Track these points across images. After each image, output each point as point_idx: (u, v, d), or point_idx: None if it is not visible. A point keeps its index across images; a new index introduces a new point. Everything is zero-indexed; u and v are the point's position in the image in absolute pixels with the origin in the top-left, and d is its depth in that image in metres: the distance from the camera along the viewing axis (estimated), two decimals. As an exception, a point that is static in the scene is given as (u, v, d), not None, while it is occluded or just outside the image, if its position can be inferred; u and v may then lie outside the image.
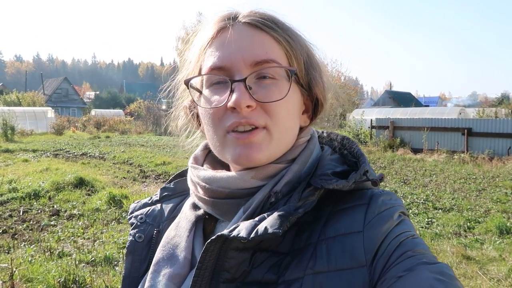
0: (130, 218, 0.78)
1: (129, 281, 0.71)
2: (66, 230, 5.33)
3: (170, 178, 0.84)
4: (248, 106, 0.61)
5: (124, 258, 0.74)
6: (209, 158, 0.76)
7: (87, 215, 6.02)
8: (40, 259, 4.25)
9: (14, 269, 3.66)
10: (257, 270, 0.59)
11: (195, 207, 0.72)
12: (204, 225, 0.71)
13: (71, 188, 7.62)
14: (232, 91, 0.62)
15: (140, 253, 0.73)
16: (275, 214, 0.58)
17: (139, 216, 0.77)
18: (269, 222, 0.57)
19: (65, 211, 6.26)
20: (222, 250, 0.59)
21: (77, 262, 4.12)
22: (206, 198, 0.67)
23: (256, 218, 0.59)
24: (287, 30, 0.67)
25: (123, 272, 0.74)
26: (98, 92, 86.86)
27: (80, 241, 4.90)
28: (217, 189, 0.66)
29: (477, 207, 6.74)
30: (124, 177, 9.37)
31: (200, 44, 0.69)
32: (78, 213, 6.12)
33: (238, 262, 0.59)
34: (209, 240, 0.59)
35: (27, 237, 5.08)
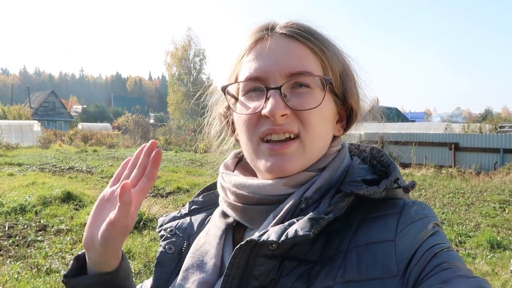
0: (160, 231, 0.77)
1: None
2: (53, 246, 5.18)
3: (199, 191, 0.84)
4: (283, 115, 0.62)
5: (153, 269, 0.73)
6: (239, 166, 0.77)
7: (75, 230, 5.87)
8: (27, 276, 4.11)
9: (0, 287, 3.53)
10: (286, 278, 0.58)
11: (224, 215, 0.72)
12: (233, 233, 0.71)
13: (58, 202, 7.44)
14: (267, 99, 0.63)
15: (170, 265, 0.72)
16: (305, 218, 0.58)
17: (169, 229, 0.77)
18: (299, 225, 0.57)
19: (52, 226, 6.10)
20: (251, 256, 0.58)
21: (65, 279, 4.00)
22: (236, 204, 0.67)
23: (286, 223, 0.59)
24: (323, 41, 0.68)
25: (151, 283, 0.72)
26: (85, 106, 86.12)
27: (69, 257, 4.76)
28: (248, 195, 0.66)
29: (467, 221, 6.80)
30: (112, 192, 9.22)
31: (237, 52, 0.70)
32: (66, 228, 5.97)
33: (267, 270, 0.58)
34: (238, 245, 0.58)
35: (13, 253, 4.92)
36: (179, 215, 0.80)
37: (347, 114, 0.73)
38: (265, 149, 0.64)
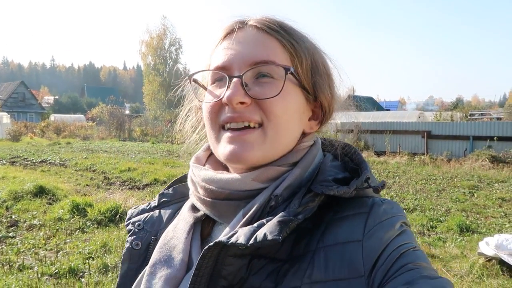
0: (128, 225, 0.76)
1: None
2: (26, 242, 5.05)
3: (169, 183, 0.82)
4: (242, 103, 0.62)
5: (120, 265, 0.72)
6: (211, 159, 0.75)
7: (49, 225, 5.74)
8: (-2, 273, 4.01)
9: (-30, 285, 3.44)
10: (255, 277, 0.58)
11: (194, 208, 0.71)
12: (202, 227, 0.70)
13: (30, 197, 7.25)
14: (228, 87, 0.63)
15: (136, 261, 0.71)
16: (275, 220, 0.57)
17: (137, 223, 0.75)
18: (268, 228, 0.56)
19: (25, 221, 5.94)
20: (219, 256, 0.58)
21: (39, 275, 3.92)
22: (205, 198, 0.66)
23: (255, 224, 0.59)
24: (294, 35, 0.67)
25: (117, 280, 0.71)
26: (57, 97, 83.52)
27: (42, 253, 4.67)
28: (217, 190, 0.65)
29: (438, 206, 7.03)
30: (87, 185, 9.04)
31: (210, 43, 0.70)
32: (39, 223, 5.82)
33: (236, 269, 0.58)
34: (207, 246, 0.58)
35: (-17, 250, 4.78)
36: (148, 207, 0.79)
37: (323, 112, 0.72)
38: (225, 137, 0.64)
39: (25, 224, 5.80)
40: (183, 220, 0.70)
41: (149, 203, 0.80)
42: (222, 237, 0.58)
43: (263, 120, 0.63)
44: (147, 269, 0.66)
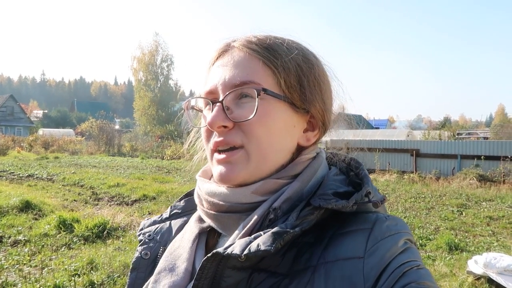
0: (140, 235, 0.78)
1: None
2: (10, 258, 4.93)
3: (181, 196, 0.84)
4: (224, 126, 0.64)
5: (129, 274, 0.73)
6: None
7: (34, 241, 5.62)
8: (-20, 290, 3.89)
9: (-50, 303, 3.33)
10: None
11: (200, 220, 0.72)
12: (208, 238, 0.71)
13: (16, 212, 7.10)
14: (212, 111, 0.65)
15: (144, 270, 0.72)
16: (270, 232, 0.58)
17: (148, 234, 0.77)
18: (262, 239, 0.57)
19: (9, 237, 5.81)
20: (219, 268, 0.58)
21: (23, 292, 3.82)
22: (209, 211, 0.68)
23: (252, 236, 0.59)
24: (276, 50, 0.67)
25: None
26: (46, 111, 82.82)
27: (27, 269, 4.55)
28: (219, 203, 0.66)
29: (428, 224, 7.06)
30: (74, 200, 8.90)
31: (204, 68, 0.73)
32: (24, 239, 5.69)
33: (236, 281, 0.58)
34: (205, 257, 0.59)
35: (-35, 266, 4.65)
36: (159, 219, 0.81)
37: (322, 123, 0.72)
38: (215, 159, 0.66)
39: (9, 240, 5.67)
40: (189, 230, 0.72)
41: (161, 215, 0.82)
42: (220, 248, 0.59)
43: (244, 142, 0.64)
44: (152, 276, 0.67)
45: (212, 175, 0.75)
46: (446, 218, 7.59)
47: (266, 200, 0.65)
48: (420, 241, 6.00)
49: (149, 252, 0.73)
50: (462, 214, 8.02)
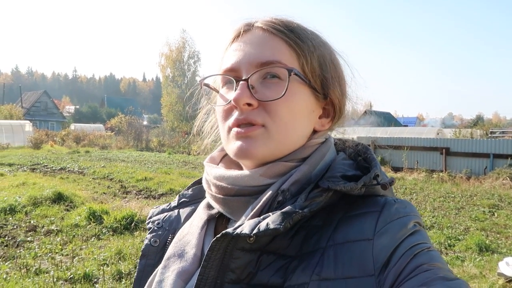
0: (148, 223, 0.79)
1: (140, 285, 0.71)
2: (43, 246, 5.15)
3: (189, 185, 0.85)
4: (249, 104, 0.64)
5: (138, 261, 0.75)
6: (225, 159, 0.77)
7: (66, 231, 5.84)
8: (15, 276, 4.08)
9: (-12, 287, 3.51)
10: (263, 272, 0.58)
11: (209, 206, 0.73)
12: (216, 224, 0.72)
13: (49, 203, 7.39)
14: (235, 90, 0.64)
15: (154, 258, 0.73)
16: (279, 212, 0.58)
17: (156, 222, 0.78)
18: (271, 218, 0.58)
19: (43, 226, 6.06)
20: (228, 249, 0.59)
21: (55, 279, 3.99)
22: (217, 195, 0.68)
23: (261, 217, 0.60)
24: (299, 33, 0.68)
25: (135, 275, 0.74)
26: (78, 106, 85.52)
27: (58, 258, 4.74)
28: (227, 186, 0.67)
29: (457, 225, 6.86)
30: (104, 193, 9.17)
31: (221, 47, 0.72)
32: (56, 229, 5.93)
33: (244, 263, 0.59)
34: (215, 238, 0.59)
35: (2, 253, 4.88)
36: (168, 207, 0.81)
37: (334, 110, 0.73)
38: (233, 133, 0.66)
39: (43, 229, 5.92)
40: (198, 217, 0.72)
41: (170, 204, 0.82)
42: (229, 228, 0.60)
43: (266, 121, 0.64)
44: (161, 263, 0.68)
45: (220, 160, 0.76)
46: (476, 218, 7.35)
47: (275, 182, 0.65)
48: (449, 241, 5.84)
49: (158, 240, 0.74)
50: (494, 215, 7.75)
